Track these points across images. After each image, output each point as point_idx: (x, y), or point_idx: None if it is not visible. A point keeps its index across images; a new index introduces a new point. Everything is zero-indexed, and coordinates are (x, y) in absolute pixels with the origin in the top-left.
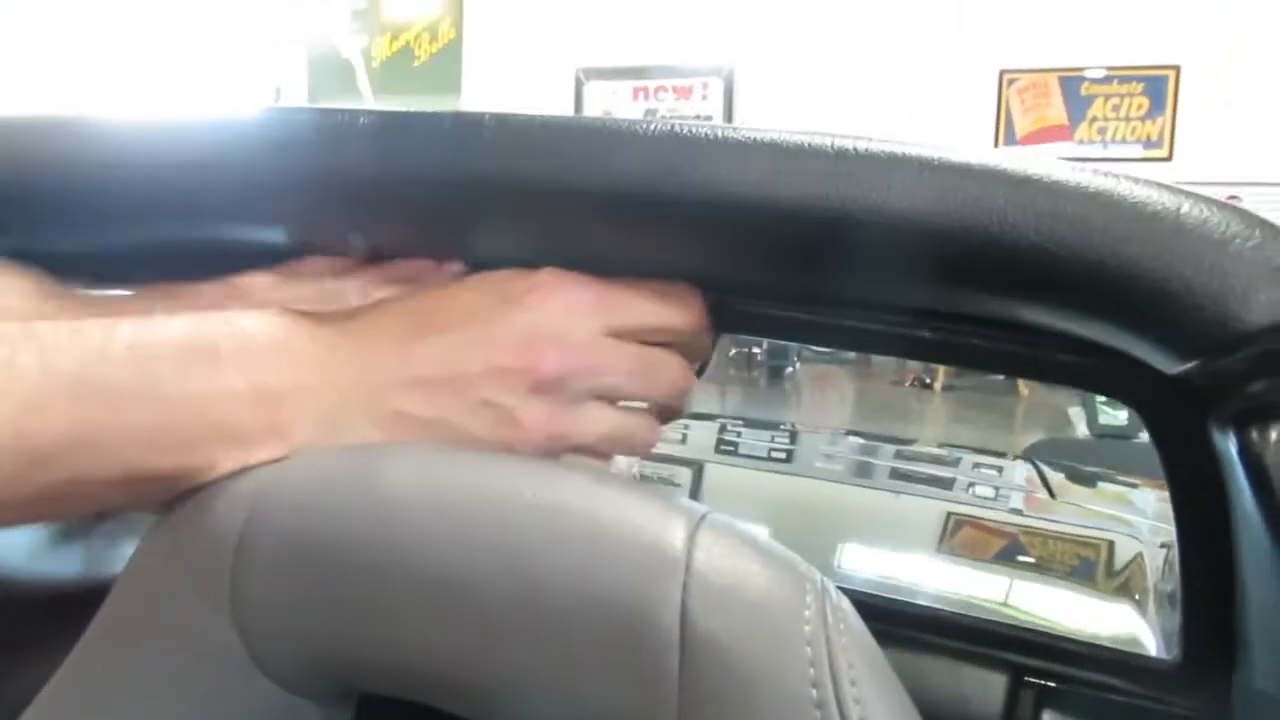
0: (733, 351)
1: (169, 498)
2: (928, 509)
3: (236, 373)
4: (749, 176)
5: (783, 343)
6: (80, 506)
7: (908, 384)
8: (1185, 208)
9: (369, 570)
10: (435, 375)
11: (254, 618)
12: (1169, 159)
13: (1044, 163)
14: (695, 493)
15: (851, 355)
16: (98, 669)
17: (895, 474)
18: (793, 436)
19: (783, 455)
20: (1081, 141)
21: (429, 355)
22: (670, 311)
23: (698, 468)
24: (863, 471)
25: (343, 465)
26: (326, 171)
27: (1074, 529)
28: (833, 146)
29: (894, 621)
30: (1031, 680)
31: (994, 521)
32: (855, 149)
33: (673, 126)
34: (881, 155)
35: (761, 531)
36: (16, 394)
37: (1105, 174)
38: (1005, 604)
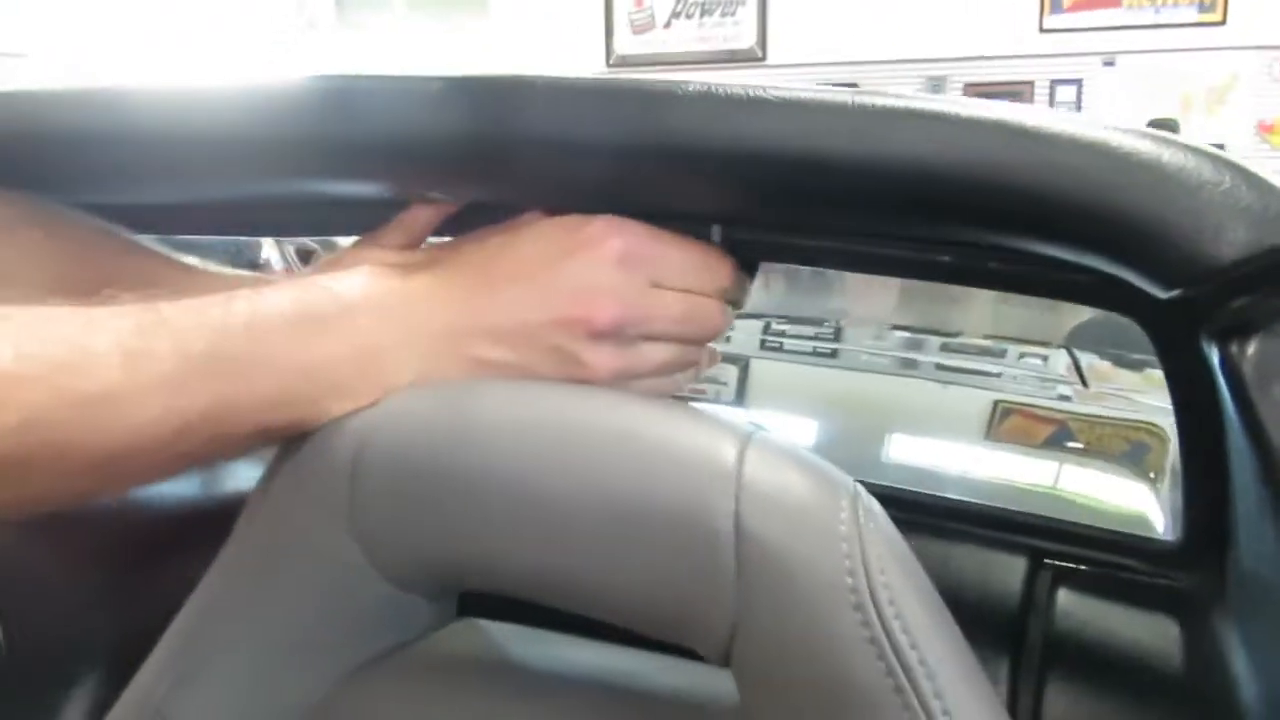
0: None
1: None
2: (975, 399)
3: (341, 339)
4: (782, 131)
5: None
6: (216, 460)
7: None
8: (1166, 156)
9: (465, 487)
10: (506, 324)
11: (370, 531)
12: (1223, 23)
13: (1043, 115)
14: (741, 389)
15: None
16: (238, 579)
17: (941, 367)
18: (837, 333)
19: (828, 351)
20: (1131, 7)
21: (498, 306)
22: (706, 275)
23: (744, 364)
24: (908, 365)
25: (438, 400)
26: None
27: (1119, 414)
28: (854, 104)
29: (923, 512)
30: (1049, 562)
31: (1042, 409)
32: (873, 105)
33: (709, 88)
34: (899, 111)
35: (809, 426)
36: (160, 378)
37: (1096, 125)
38: (1054, 489)
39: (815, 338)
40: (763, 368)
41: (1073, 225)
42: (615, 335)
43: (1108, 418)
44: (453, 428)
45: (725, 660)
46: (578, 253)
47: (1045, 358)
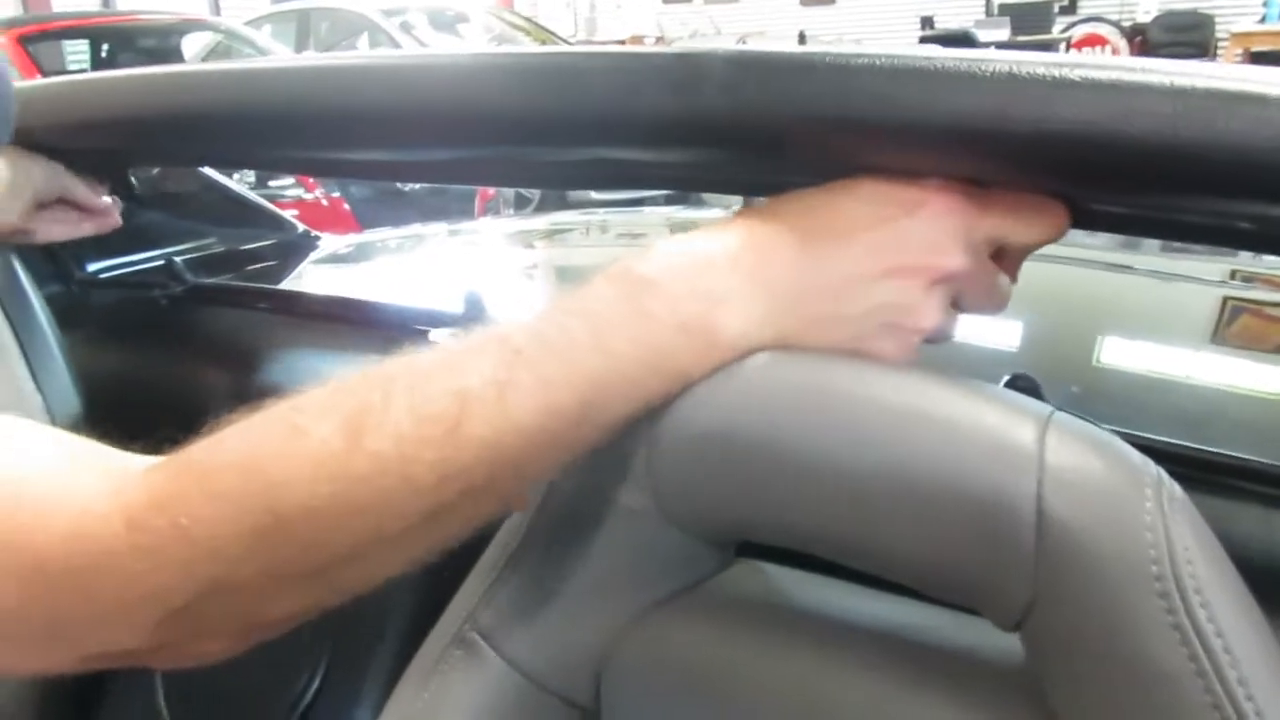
0: None
1: None
2: (1200, 296)
3: (673, 309)
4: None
5: None
6: (587, 445)
7: None
8: None
9: (762, 454)
10: (840, 278)
11: (665, 487)
12: None
13: None
14: None
15: None
16: (544, 521)
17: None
18: None
19: None
20: None
21: (833, 260)
22: (1041, 227)
23: None
24: (1125, 263)
25: (734, 371)
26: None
27: None
28: (1172, 85)
29: (1199, 468)
30: None
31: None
32: (1194, 87)
33: (1012, 66)
34: (1220, 93)
35: (1012, 327)
36: (522, 408)
37: None
38: None
39: None
40: None
41: None
42: (941, 292)
43: None
44: (749, 397)
45: (1014, 627)
46: (917, 210)
47: None
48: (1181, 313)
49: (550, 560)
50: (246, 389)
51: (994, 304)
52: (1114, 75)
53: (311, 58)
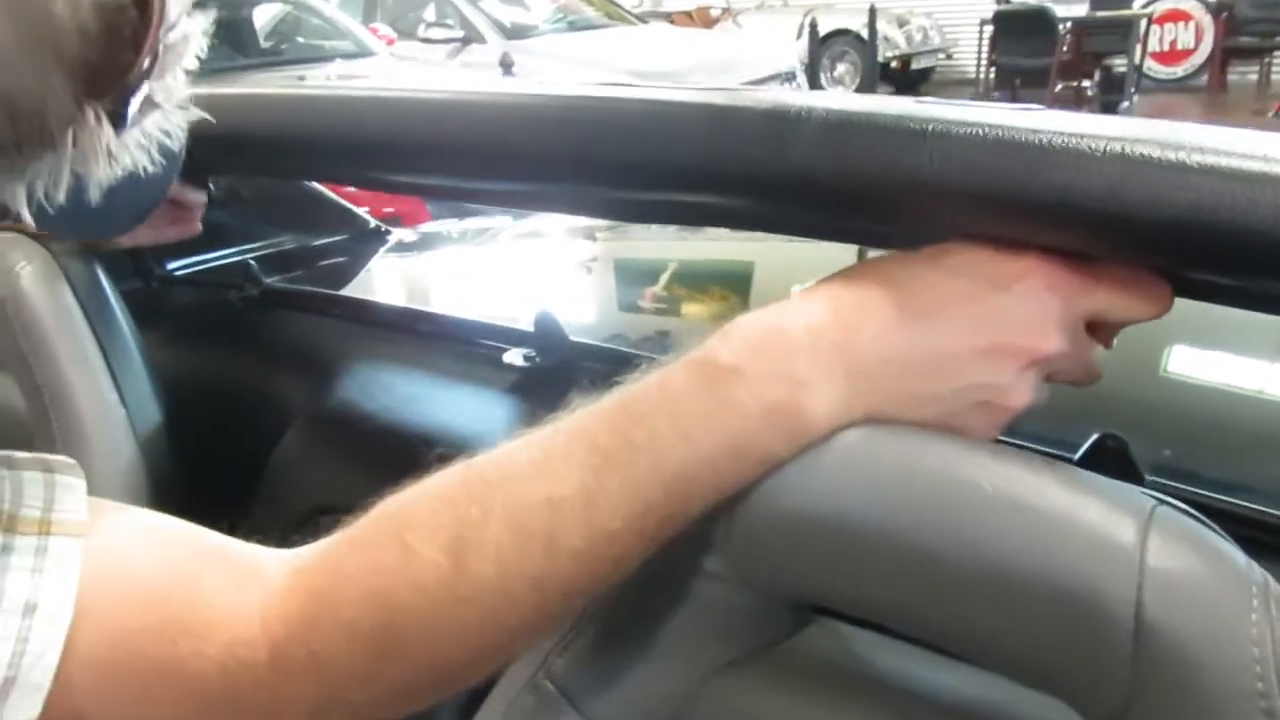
0: (1059, 87)
1: None
2: None
3: (754, 393)
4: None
5: (1118, 75)
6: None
7: (1273, 113)
8: None
9: (847, 532)
10: (930, 356)
11: (744, 556)
12: None
13: None
14: None
15: (1201, 80)
16: (628, 579)
17: None
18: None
19: None
20: None
21: (923, 337)
22: (1144, 305)
23: None
24: None
25: (822, 448)
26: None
27: None
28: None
29: None
30: None
31: None
32: None
33: (1123, 148)
34: None
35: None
36: (614, 510)
37: None
38: None
39: None
40: None
41: None
42: (1039, 371)
43: None
44: (838, 476)
45: None
46: (1014, 285)
47: None
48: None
49: (628, 615)
50: (319, 398)
51: (1087, 378)
52: (1234, 163)
53: (410, 89)
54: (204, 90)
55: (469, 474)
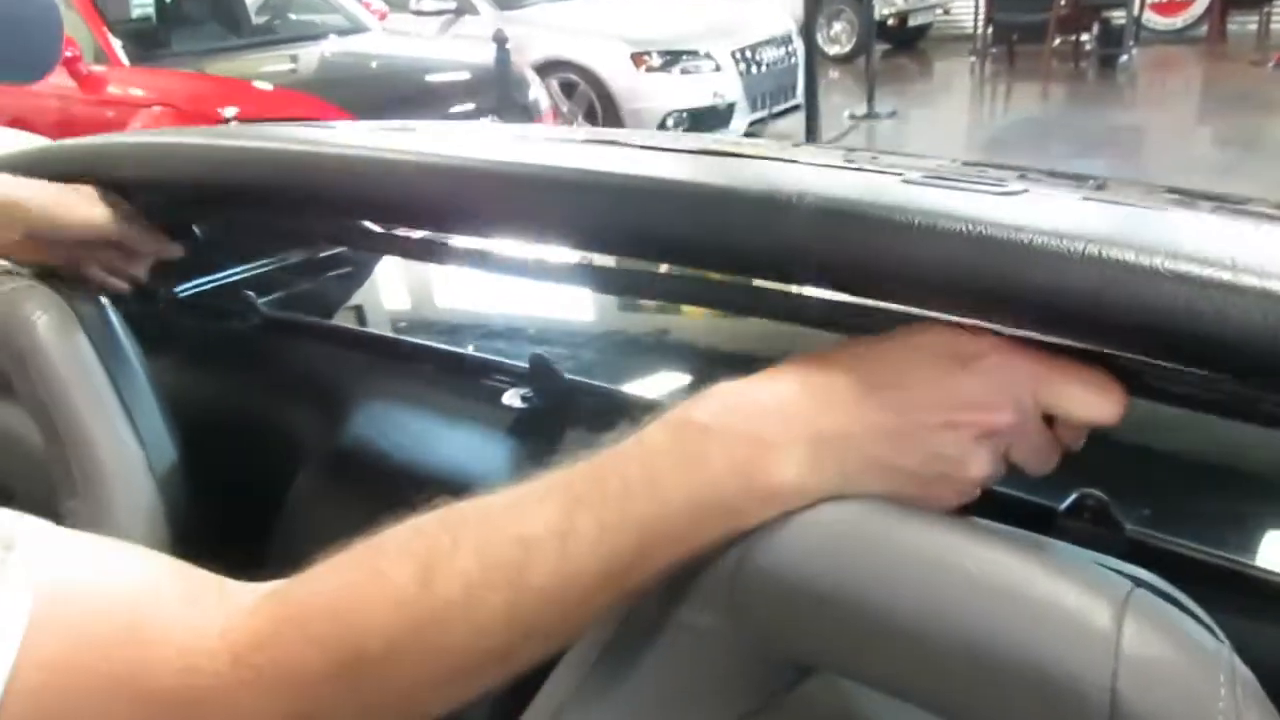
0: (1057, 41)
1: None
2: None
3: (723, 455)
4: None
5: (1116, 28)
6: (643, 588)
7: (1273, 64)
8: None
9: (835, 603)
10: (898, 426)
11: (743, 615)
12: None
13: None
14: None
15: (1201, 31)
16: (630, 628)
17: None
18: (1100, 189)
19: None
20: None
21: (891, 407)
22: (1093, 405)
23: None
24: None
25: (820, 520)
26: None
27: None
28: (1268, 290)
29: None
30: None
31: None
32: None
33: (1100, 251)
34: None
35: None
36: (586, 554)
37: None
38: None
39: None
40: None
41: None
42: (992, 445)
43: None
44: (832, 547)
45: None
46: (974, 363)
47: None
48: None
49: (628, 674)
50: (331, 436)
51: (1040, 463)
52: (1209, 272)
53: (415, 150)
54: (191, 141)
55: (448, 513)
